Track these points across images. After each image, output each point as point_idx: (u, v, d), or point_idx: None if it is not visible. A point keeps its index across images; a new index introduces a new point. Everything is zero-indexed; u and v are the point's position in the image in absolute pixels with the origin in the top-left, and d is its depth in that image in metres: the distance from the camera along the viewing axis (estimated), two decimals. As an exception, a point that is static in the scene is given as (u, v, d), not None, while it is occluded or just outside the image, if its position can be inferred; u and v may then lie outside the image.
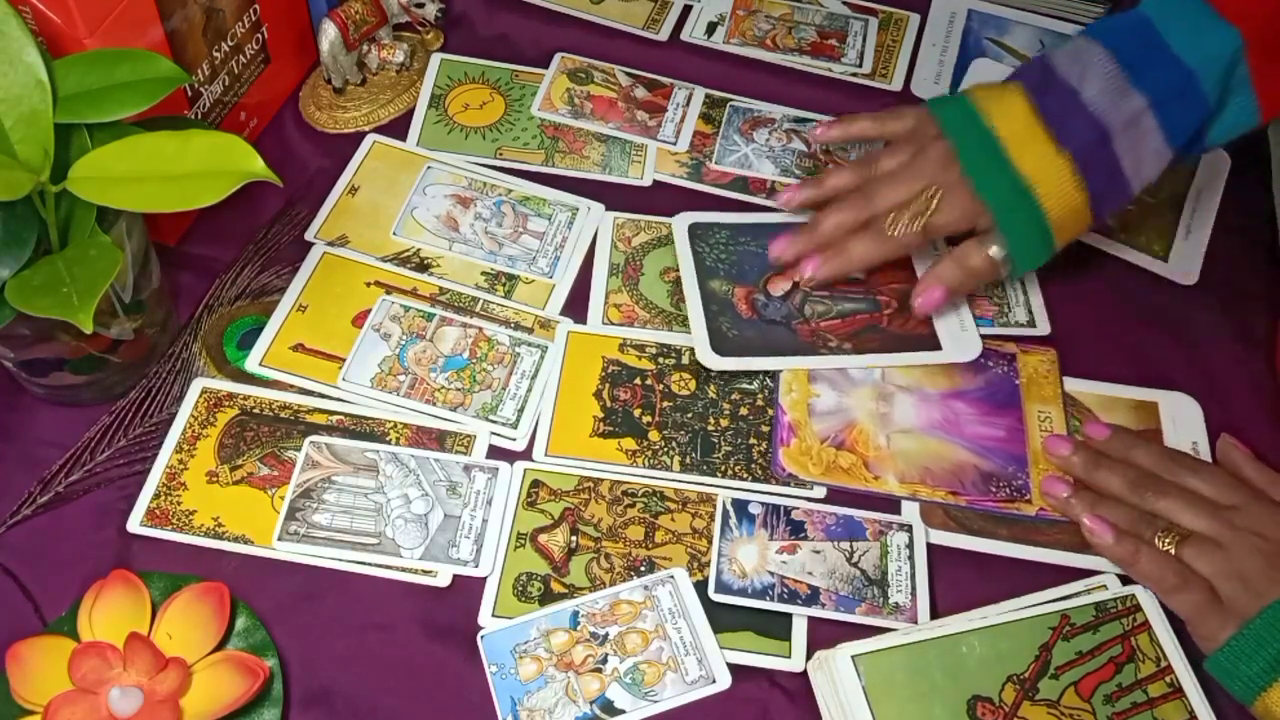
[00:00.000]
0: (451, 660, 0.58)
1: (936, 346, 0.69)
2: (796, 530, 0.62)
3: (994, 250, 0.66)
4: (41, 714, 0.52)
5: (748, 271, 0.70)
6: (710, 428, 0.66)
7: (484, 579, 0.60)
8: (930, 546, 0.62)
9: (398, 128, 0.79)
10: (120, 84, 0.56)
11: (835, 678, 0.56)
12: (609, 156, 0.78)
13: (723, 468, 0.65)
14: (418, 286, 0.71)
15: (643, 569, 0.61)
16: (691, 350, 0.69)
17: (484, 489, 0.63)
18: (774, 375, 0.68)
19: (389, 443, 0.64)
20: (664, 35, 0.86)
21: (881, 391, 0.67)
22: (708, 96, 0.82)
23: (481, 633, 0.59)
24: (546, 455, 0.65)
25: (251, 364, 0.67)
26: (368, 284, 0.71)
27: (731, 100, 0.82)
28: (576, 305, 0.71)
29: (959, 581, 0.61)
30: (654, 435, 0.66)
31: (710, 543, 0.62)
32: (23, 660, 0.54)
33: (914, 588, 0.60)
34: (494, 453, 0.65)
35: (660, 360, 0.69)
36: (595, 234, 0.74)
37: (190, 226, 0.73)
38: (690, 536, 0.62)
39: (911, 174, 0.67)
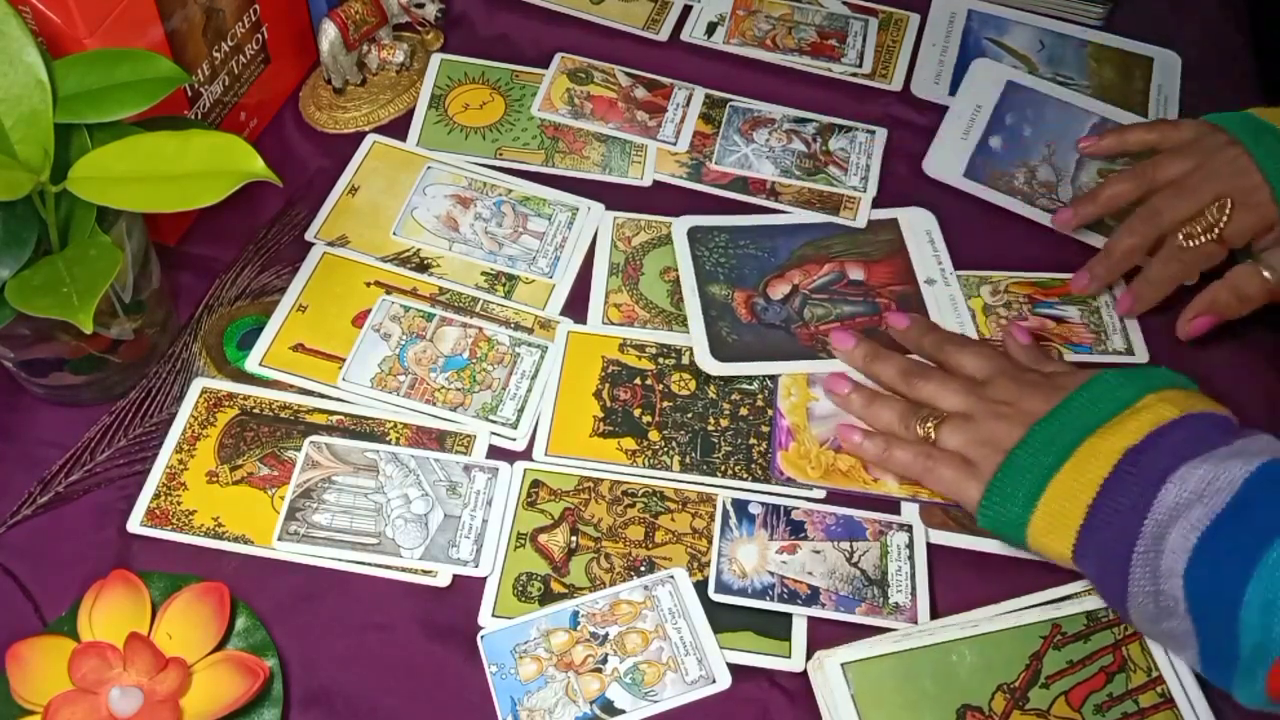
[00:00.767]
0: (451, 660, 0.58)
1: None
2: (796, 530, 0.62)
3: (1269, 273, 0.65)
4: (41, 714, 0.52)
5: (747, 275, 0.70)
6: (710, 428, 0.66)
7: (484, 579, 0.60)
8: (930, 546, 0.62)
9: (398, 128, 0.79)
10: (120, 84, 0.56)
11: (825, 685, 0.56)
12: (609, 157, 0.78)
13: (723, 468, 0.65)
14: (418, 286, 0.71)
15: (643, 569, 0.61)
16: (692, 350, 0.69)
17: (484, 489, 0.63)
18: (774, 377, 0.68)
19: (389, 443, 0.64)
20: (664, 35, 0.86)
21: None
22: (708, 97, 0.82)
23: (481, 633, 0.59)
24: (546, 455, 0.65)
25: (251, 364, 0.67)
26: (368, 284, 0.71)
27: (731, 100, 0.82)
28: (576, 305, 0.71)
29: (959, 581, 0.61)
30: (654, 435, 0.66)
31: (710, 543, 0.62)
32: (23, 660, 0.54)
33: (914, 588, 0.60)
34: (494, 453, 0.65)
35: (660, 360, 0.69)
36: (595, 234, 0.74)
37: (190, 226, 0.73)
38: (690, 536, 0.62)
39: (1201, 181, 0.66)
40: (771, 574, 0.60)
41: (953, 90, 0.83)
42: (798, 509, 0.63)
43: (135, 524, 0.61)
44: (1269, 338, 0.72)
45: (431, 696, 0.57)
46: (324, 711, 0.57)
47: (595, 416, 0.66)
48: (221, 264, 0.72)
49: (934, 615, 0.60)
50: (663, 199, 0.77)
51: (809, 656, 0.58)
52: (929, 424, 0.62)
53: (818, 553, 0.61)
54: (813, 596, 0.60)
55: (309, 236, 0.73)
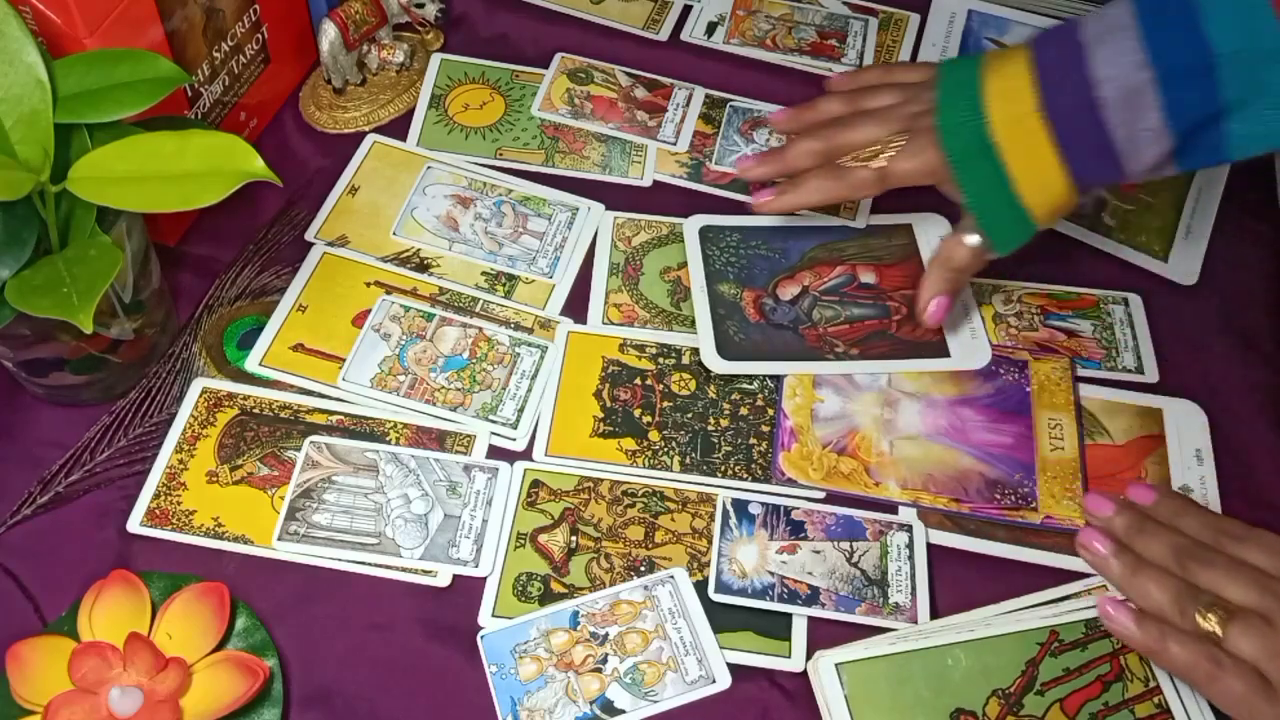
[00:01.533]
0: (451, 660, 0.58)
1: (945, 354, 0.69)
2: (796, 530, 0.62)
3: (970, 239, 0.64)
4: (41, 714, 0.52)
5: (757, 275, 0.70)
6: (710, 428, 0.66)
7: (484, 579, 0.60)
8: (930, 546, 0.62)
9: (398, 128, 0.79)
10: (120, 84, 0.56)
11: (820, 684, 0.56)
12: (609, 157, 0.78)
13: (723, 468, 0.65)
14: (418, 286, 0.71)
15: (643, 569, 0.61)
16: (692, 350, 0.69)
17: (484, 489, 0.63)
18: (775, 376, 0.68)
19: (389, 443, 0.64)
20: (664, 35, 0.86)
21: (887, 398, 0.67)
22: (708, 97, 0.82)
23: (481, 633, 0.59)
24: (546, 455, 0.65)
25: (251, 364, 0.67)
26: (368, 284, 0.71)
27: (731, 100, 0.82)
28: (576, 305, 0.71)
29: (959, 582, 0.61)
30: (654, 435, 0.66)
31: (710, 543, 0.62)
32: (23, 660, 0.54)
33: (914, 588, 0.60)
34: (494, 453, 0.65)
35: (660, 360, 0.69)
36: (595, 233, 0.74)
37: (190, 226, 0.73)
38: (690, 536, 0.62)
39: (891, 116, 0.65)
40: (771, 574, 0.60)
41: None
42: (798, 509, 0.63)
43: (135, 524, 0.61)
44: (1269, 337, 0.72)
45: (431, 696, 0.57)
46: (324, 711, 0.57)
47: (595, 416, 0.66)
48: (221, 264, 0.72)
49: (934, 615, 0.60)
50: (663, 199, 0.77)
51: (809, 656, 0.58)
52: (1213, 617, 0.52)
53: (818, 553, 0.61)
54: (813, 596, 0.60)
55: (309, 236, 0.73)
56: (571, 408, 0.66)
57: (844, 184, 0.65)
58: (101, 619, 0.55)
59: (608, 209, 0.75)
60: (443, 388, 0.66)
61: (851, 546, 0.62)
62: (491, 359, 0.68)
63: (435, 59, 0.83)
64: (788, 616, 0.60)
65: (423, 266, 0.72)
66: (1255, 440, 0.67)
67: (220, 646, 0.56)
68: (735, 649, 0.59)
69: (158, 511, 0.61)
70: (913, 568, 0.61)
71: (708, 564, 0.61)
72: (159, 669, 0.53)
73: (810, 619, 0.60)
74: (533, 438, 0.65)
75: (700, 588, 0.60)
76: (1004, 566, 0.62)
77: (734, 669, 0.58)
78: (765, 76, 0.83)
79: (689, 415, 0.67)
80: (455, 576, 0.60)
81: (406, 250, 0.73)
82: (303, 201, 0.75)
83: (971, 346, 0.69)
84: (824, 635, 0.59)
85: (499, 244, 0.73)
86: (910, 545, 0.62)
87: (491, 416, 0.66)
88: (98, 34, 0.59)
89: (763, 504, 0.63)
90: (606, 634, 0.58)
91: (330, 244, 0.72)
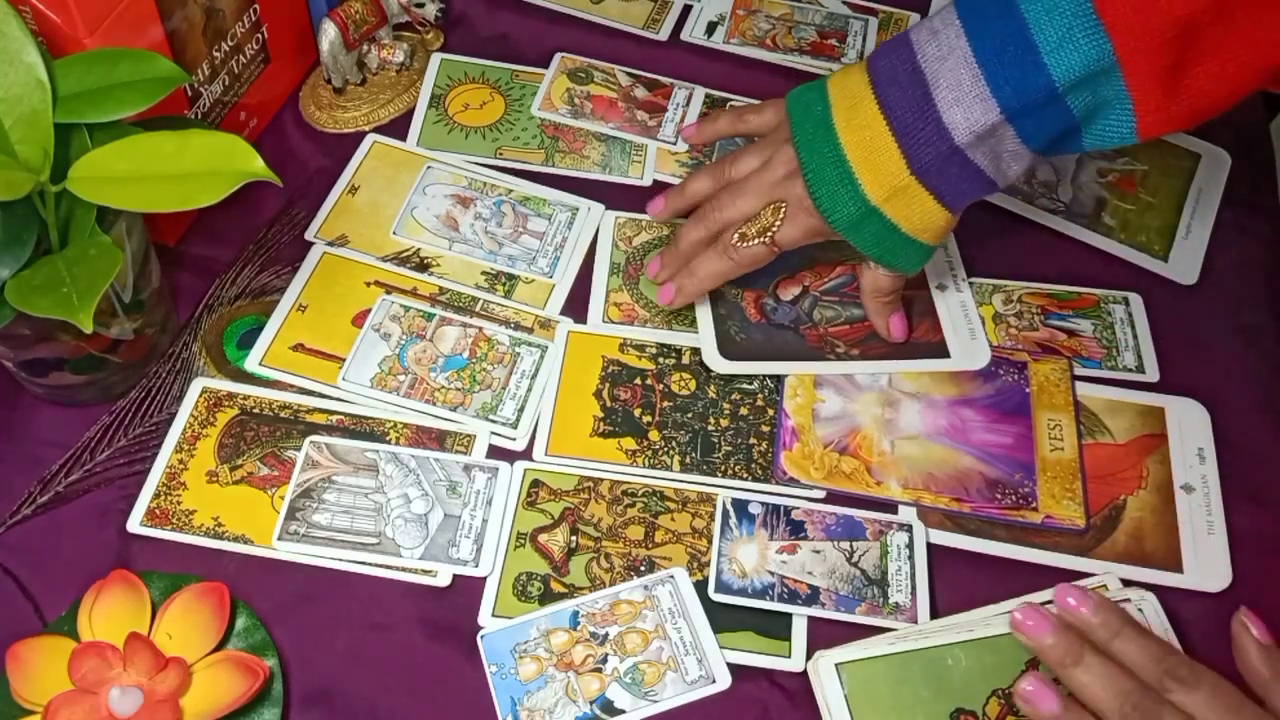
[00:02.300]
0: (451, 660, 0.58)
1: (945, 354, 0.69)
2: (796, 530, 0.62)
3: (883, 267, 0.65)
4: (41, 714, 0.52)
5: (757, 276, 0.70)
6: (710, 428, 0.66)
7: (484, 579, 0.60)
8: (930, 546, 0.62)
9: (398, 128, 0.79)
10: (120, 84, 0.56)
11: (820, 684, 0.56)
12: (609, 156, 0.78)
13: (723, 468, 0.65)
14: (418, 286, 0.71)
15: (643, 569, 0.61)
16: (692, 350, 0.69)
17: (484, 489, 0.63)
18: (776, 376, 0.68)
19: (389, 443, 0.64)
20: (664, 35, 0.86)
21: (888, 398, 0.67)
22: (708, 96, 0.82)
23: (481, 632, 0.59)
24: (546, 455, 0.65)
25: (251, 364, 0.67)
26: (368, 284, 0.71)
27: (731, 100, 0.82)
28: (576, 305, 0.71)
29: (959, 581, 0.61)
30: (654, 435, 0.66)
31: (710, 542, 0.62)
32: (23, 660, 0.54)
33: (914, 587, 0.60)
34: (494, 453, 0.65)
35: (660, 360, 0.69)
36: (596, 233, 0.74)
37: (190, 226, 0.73)
38: (690, 536, 0.62)
39: (760, 186, 0.64)
40: (771, 574, 0.60)
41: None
42: (798, 509, 0.63)
43: (135, 524, 0.61)
44: (1270, 336, 0.72)
45: (431, 696, 0.57)
46: (324, 711, 0.57)
47: (595, 416, 0.66)
48: (221, 264, 0.72)
49: (934, 615, 0.60)
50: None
51: (809, 656, 0.58)
52: None
53: (818, 552, 0.61)
54: (813, 596, 0.60)
55: (309, 236, 0.73)
56: (571, 407, 0.66)
57: (737, 263, 0.66)
58: (101, 619, 0.55)
59: (608, 209, 0.75)
60: (443, 387, 0.66)
61: (851, 546, 0.62)
62: (491, 359, 0.68)
63: (435, 59, 0.83)
64: (788, 616, 0.60)
65: (423, 266, 0.72)
66: (1257, 439, 0.67)
67: (220, 646, 0.56)
68: (735, 649, 0.59)
69: (158, 511, 0.61)
70: (913, 567, 0.61)
71: (708, 564, 0.61)
72: (159, 669, 0.53)
73: (810, 619, 0.60)
74: (533, 437, 0.65)
75: (700, 588, 0.60)
76: (1004, 566, 0.62)
77: (734, 669, 0.58)
78: (765, 76, 0.83)
79: (689, 415, 0.67)
80: (455, 576, 0.60)
81: (406, 250, 0.73)
82: (303, 201, 0.75)
83: (971, 347, 0.69)
84: (824, 635, 0.59)
85: (499, 244, 0.73)
86: (910, 545, 0.62)
87: (491, 416, 0.66)
88: (98, 34, 0.59)
89: (763, 504, 0.63)
90: (606, 634, 0.58)
91: (330, 244, 0.72)
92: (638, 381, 0.68)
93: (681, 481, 0.64)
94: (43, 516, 0.62)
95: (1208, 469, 0.65)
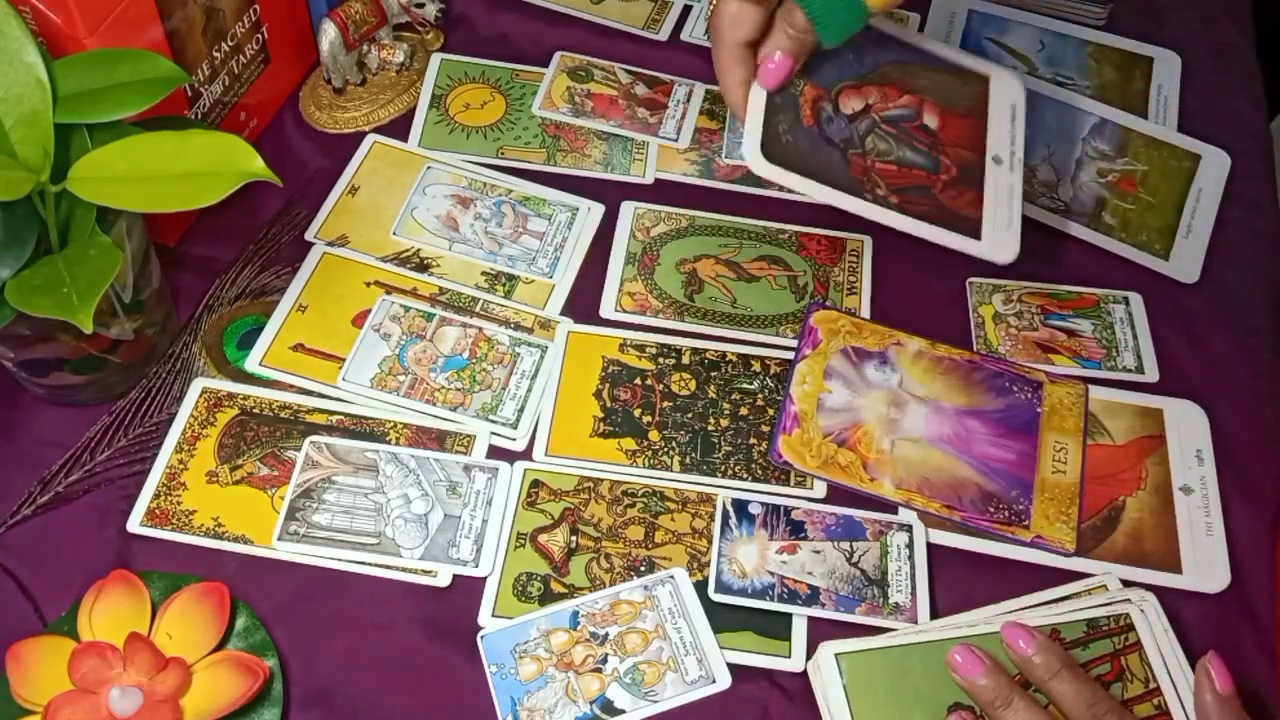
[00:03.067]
0: (451, 660, 0.58)
1: (976, 235, 0.66)
2: (796, 530, 0.62)
3: (802, 6, 0.62)
4: (41, 714, 0.52)
5: (826, 72, 0.65)
6: (710, 428, 0.66)
7: (484, 579, 0.60)
8: (930, 546, 0.62)
9: (398, 128, 0.79)
10: (120, 84, 0.56)
11: (819, 673, 0.56)
12: (611, 154, 0.78)
13: (723, 468, 0.65)
14: (418, 286, 0.71)
15: (643, 569, 0.61)
16: (692, 350, 0.69)
17: (484, 489, 0.63)
18: (777, 375, 0.68)
19: (389, 443, 0.64)
20: (664, 35, 0.86)
21: (896, 399, 0.67)
22: (708, 92, 0.82)
23: (481, 633, 0.59)
24: (546, 455, 0.65)
25: (251, 364, 0.67)
26: (368, 284, 0.71)
27: (732, 100, 0.82)
28: (576, 305, 0.71)
29: (959, 581, 0.61)
30: (654, 435, 0.66)
31: (710, 543, 0.62)
32: (23, 660, 0.54)
33: (914, 588, 0.60)
34: (494, 453, 0.65)
35: (660, 360, 0.69)
36: (616, 222, 0.74)
37: (190, 226, 0.73)
38: (690, 536, 0.62)
39: None
40: (771, 574, 0.60)
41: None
42: (798, 509, 0.63)
43: (135, 524, 0.61)
44: (1270, 336, 0.72)
45: (431, 696, 0.57)
46: (324, 711, 0.57)
47: (595, 416, 0.66)
48: (221, 264, 0.72)
49: (934, 615, 0.60)
50: (665, 196, 0.77)
51: (809, 656, 0.58)
52: None
53: (818, 553, 0.61)
54: (813, 596, 0.60)
55: (309, 236, 0.73)
56: (571, 408, 0.66)
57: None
58: (101, 619, 0.55)
59: (609, 208, 0.76)
60: (443, 388, 0.66)
61: (851, 546, 0.62)
62: (491, 359, 0.68)
63: (435, 59, 0.83)
64: (788, 616, 0.60)
65: (423, 266, 0.72)
66: (1256, 440, 0.67)
67: (220, 646, 0.56)
68: (735, 649, 0.59)
69: (158, 511, 0.61)
70: (913, 568, 0.61)
71: (708, 564, 0.61)
72: (159, 669, 0.53)
73: (810, 619, 0.60)
74: (533, 438, 0.65)
75: (700, 588, 0.60)
76: (1004, 566, 0.62)
77: (734, 669, 0.58)
78: (765, 76, 0.83)
79: (689, 415, 0.67)
80: (455, 576, 0.60)
81: (406, 250, 0.73)
82: (303, 201, 0.75)
83: (1004, 238, 0.66)
84: (824, 635, 0.59)
85: (499, 244, 0.73)
86: (910, 545, 0.62)
87: (491, 416, 0.66)
88: (98, 34, 0.59)
89: (763, 504, 0.63)
90: (606, 634, 0.58)
91: (330, 244, 0.72)
92: (638, 382, 0.68)
93: (681, 482, 0.64)
94: (43, 516, 0.62)
95: (1206, 470, 0.65)
